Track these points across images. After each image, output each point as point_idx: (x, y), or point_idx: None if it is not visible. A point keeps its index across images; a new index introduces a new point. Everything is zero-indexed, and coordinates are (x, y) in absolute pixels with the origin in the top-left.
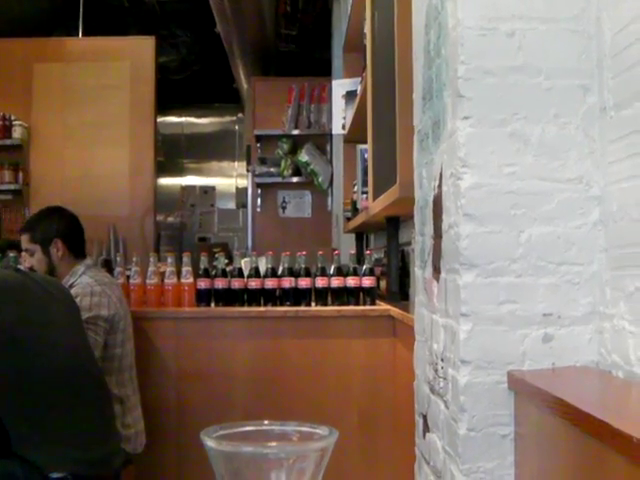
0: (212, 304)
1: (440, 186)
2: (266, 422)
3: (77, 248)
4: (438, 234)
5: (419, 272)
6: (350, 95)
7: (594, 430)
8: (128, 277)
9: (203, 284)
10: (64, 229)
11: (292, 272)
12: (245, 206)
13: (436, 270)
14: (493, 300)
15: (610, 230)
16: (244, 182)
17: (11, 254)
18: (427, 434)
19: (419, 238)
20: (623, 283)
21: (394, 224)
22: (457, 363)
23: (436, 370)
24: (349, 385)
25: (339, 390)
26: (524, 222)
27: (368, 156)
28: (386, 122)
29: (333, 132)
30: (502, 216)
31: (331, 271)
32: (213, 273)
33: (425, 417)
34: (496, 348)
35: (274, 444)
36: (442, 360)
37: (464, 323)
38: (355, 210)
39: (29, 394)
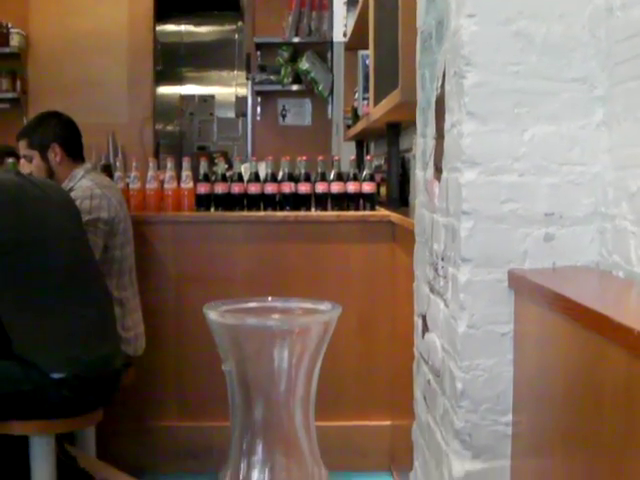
0: (212, 209)
1: (443, 86)
2: (270, 298)
3: (75, 152)
4: (440, 134)
5: (420, 174)
6: (352, 2)
7: (594, 325)
8: (127, 184)
9: (203, 189)
10: (61, 133)
11: (292, 177)
12: (245, 115)
13: (437, 170)
14: (495, 198)
15: (614, 131)
16: (244, 91)
17: (9, 160)
18: (426, 334)
19: (420, 140)
20: (626, 183)
21: (395, 130)
22: (458, 261)
23: (436, 270)
24: (348, 290)
25: (338, 295)
26: (527, 121)
27: (370, 61)
28: (388, 26)
29: (334, 39)
30: (505, 115)
31: (331, 177)
32: (213, 178)
33: (424, 317)
34: (497, 246)
35: (277, 316)
36: (442, 259)
37: (465, 221)
38: (356, 117)
39: (29, 294)
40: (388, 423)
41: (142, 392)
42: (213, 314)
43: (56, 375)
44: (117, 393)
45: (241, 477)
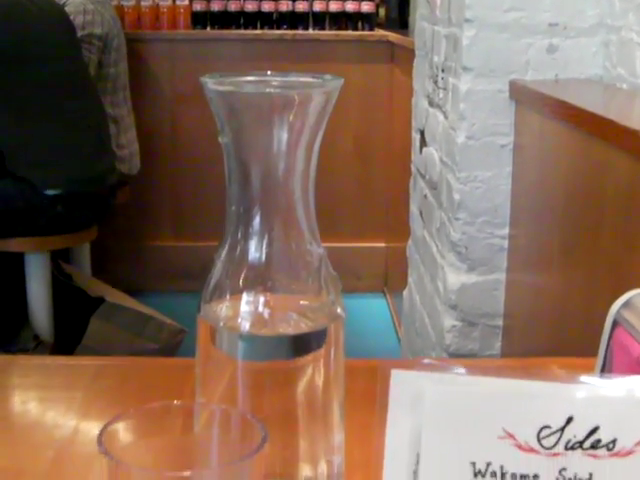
0: (208, 27)
1: None
2: (268, 72)
3: None
4: None
5: None
6: None
7: (599, 130)
8: (121, 2)
9: (199, 6)
10: None
11: None
12: None
13: None
14: (498, 7)
15: None
16: None
17: None
18: (424, 148)
19: None
20: None
21: None
22: (459, 71)
23: (436, 82)
24: (345, 111)
25: (335, 116)
26: None
27: None
28: None
29: None
30: None
31: None
32: None
33: (422, 132)
34: (499, 56)
35: (277, 84)
36: (443, 71)
37: (468, 29)
38: None
39: (24, 109)
40: (383, 245)
41: (138, 212)
42: (211, 82)
43: (50, 192)
44: (112, 211)
45: (238, 250)
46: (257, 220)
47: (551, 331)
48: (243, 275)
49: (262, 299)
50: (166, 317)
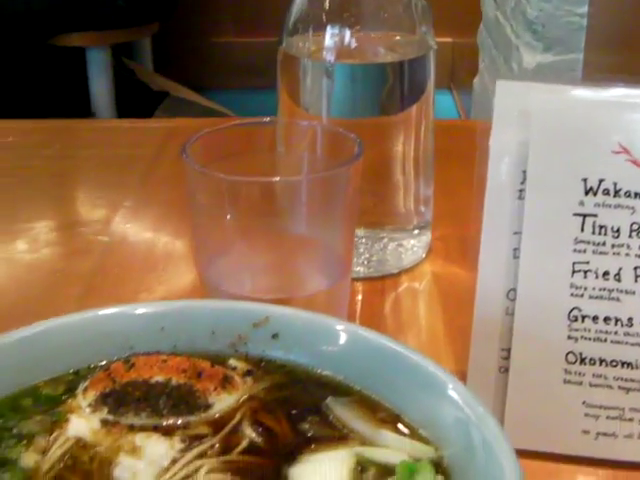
0: None
1: None
2: None
3: None
4: None
5: None
6: None
7: None
8: None
9: None
10: None
11: None
12: None
13: None
14: None
15: None
16: None
17: None
18: None
19: None
20: None
21: None
22: None
23: None
24: None
25: None
26: None
27: None
28: None
29: None
30: None
31: None
32: None
33: None
34: None
35: None
36: None
37: None
38: None
39: None
40: (449, 40)
41: (197, 8)
42: None
43: None
44: (174, 9)
45: None
46: None
47: None
48: (328, 2)
49: (349, 31)
50: (231, 112)
